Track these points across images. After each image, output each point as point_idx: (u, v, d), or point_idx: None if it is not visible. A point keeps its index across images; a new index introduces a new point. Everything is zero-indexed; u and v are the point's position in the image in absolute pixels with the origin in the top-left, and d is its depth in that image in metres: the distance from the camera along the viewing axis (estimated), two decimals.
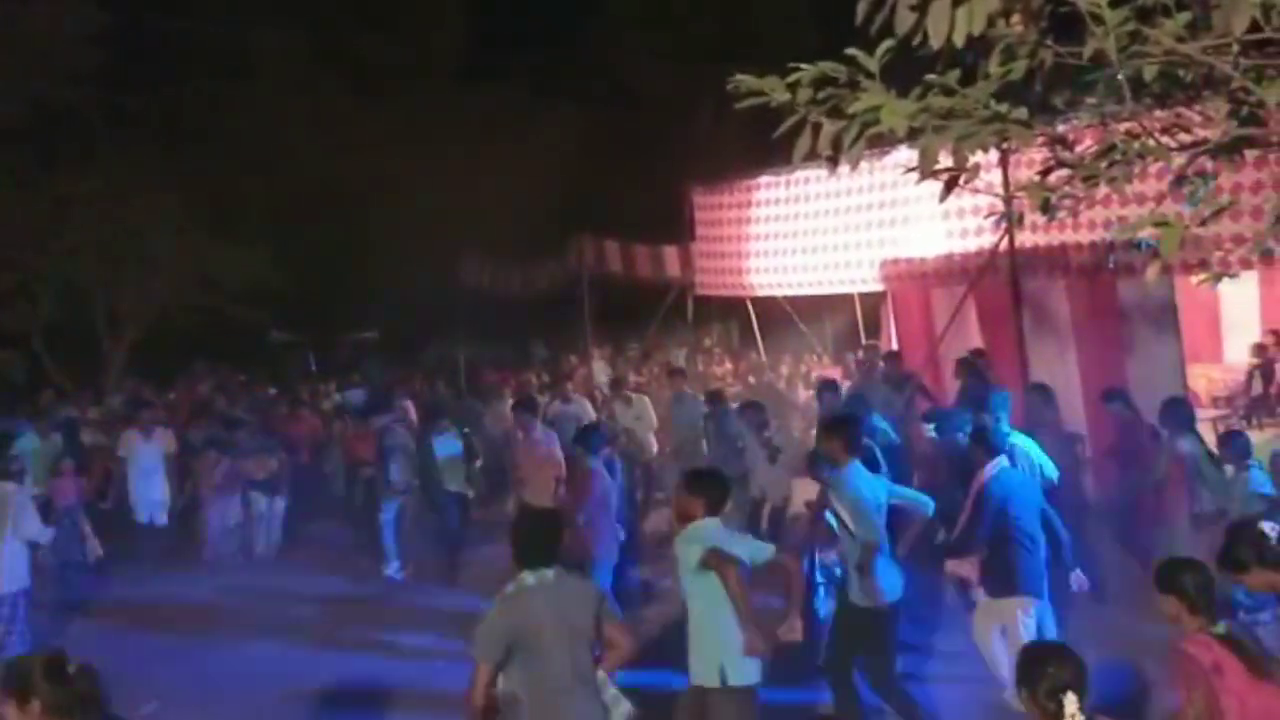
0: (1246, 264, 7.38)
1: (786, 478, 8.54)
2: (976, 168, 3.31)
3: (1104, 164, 3.27)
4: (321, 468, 12.05)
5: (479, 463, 9.98)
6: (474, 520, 10.00)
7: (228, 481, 10.18)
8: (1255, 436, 8.50)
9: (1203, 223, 3.49)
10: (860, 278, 12.40)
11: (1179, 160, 3.41)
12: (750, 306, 15.71)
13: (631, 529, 8.40)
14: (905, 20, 2.90)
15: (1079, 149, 3.55)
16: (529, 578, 3.96)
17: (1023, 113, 3.13)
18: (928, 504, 5.80)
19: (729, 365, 17.79)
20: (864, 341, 13.68)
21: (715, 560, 4.43)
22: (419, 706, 6.53)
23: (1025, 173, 7.95)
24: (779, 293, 14.26)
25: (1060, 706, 2.94)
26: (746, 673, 4.52)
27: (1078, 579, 6.01)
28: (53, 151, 16.56)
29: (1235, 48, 2.94)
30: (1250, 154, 3.88)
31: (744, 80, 3.26)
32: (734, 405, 10.31)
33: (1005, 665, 5.71)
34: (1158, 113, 3.48)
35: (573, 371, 16.24)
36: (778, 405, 10.74)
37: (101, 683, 3.14)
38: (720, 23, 23.51)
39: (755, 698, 4.62)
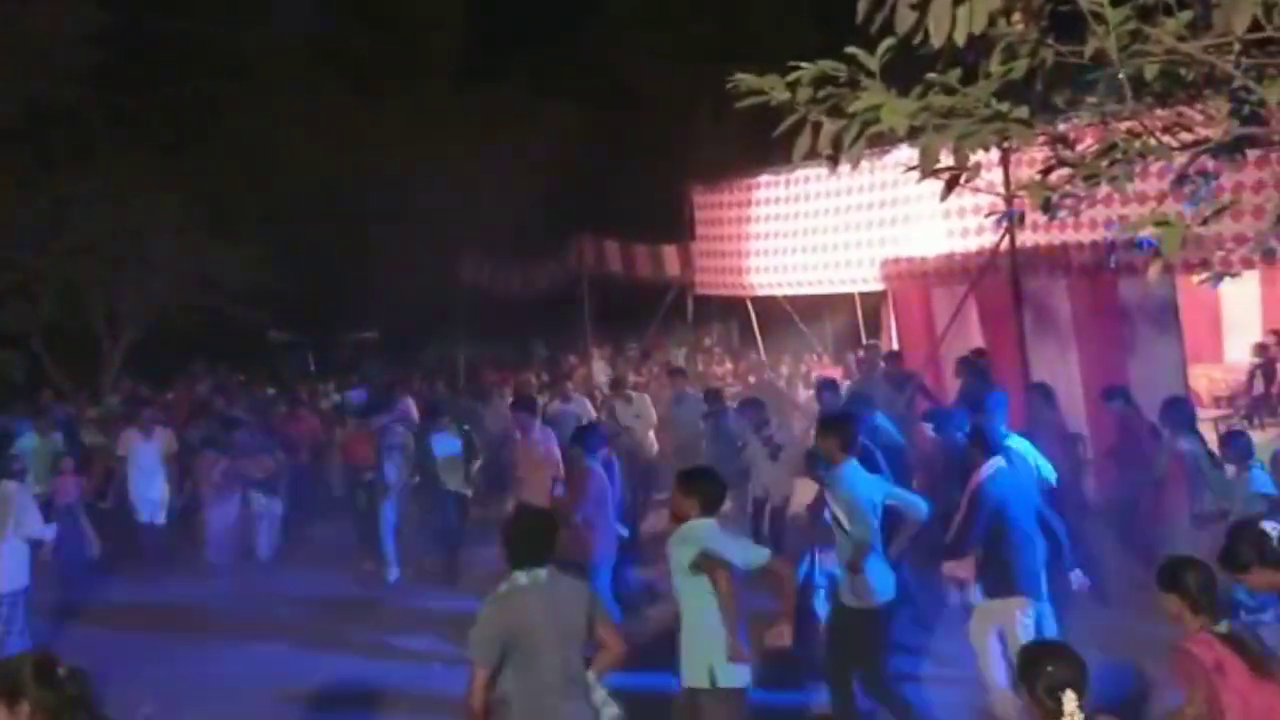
0: (1248, 263, 7.40)
1: (788, 476, 8.52)
2: (977, 167, 3.30)
3: (1105, 163, 3.26)
4: (321, 468, 12.04)
5: (479, 463, 9.96)
6: (473, 519, 10.00)
7: (226, 481, 10.18)
8: (1256, 436, 8.50)
9: (1204, 222, 3.49)
10: (860, 277, 12.39)
11: (1180, 159, 3.40)
12: (750, 306, 15.69)
13: (633, 528, 8.38)
14: (906, 19, 2.90)
15: (1080, 148, 3.55)
16: (522, 577, 3.93)
17: (1024, 112, 3.12)
18: (922, 507, 5.75)
19: (729, 365, 17.79)
20: (864, 341, 13.66)
21: (707, 563, 4.41)
22: (418, 708, 6.52)
23: (1026, 172, 7.93)
24: (779, 292, 14.25)
25: (1059, 704, 2.95)
26: (736, 675, 4.50)
27: (1077, 579, 5.99)
28: (52, 151, 16.54)
29: (1236, 47, 2.93)
30: (1251, 153, 3.88)
31: (744, 79, 3.25)
32: (734, 404, 10.31)
33: (998, 669, 5.67)
34: (1159, 112, 3.47)
35: (572, 371, 16.24)
36: (778, 404, 10.73)
37: (91, 684, 3.14)
38: (720, 22, 23.51)
39: (744, 700, 4.61)
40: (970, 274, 10.12)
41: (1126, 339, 9.26)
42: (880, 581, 5.43)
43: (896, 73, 3.10)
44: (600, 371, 16.42)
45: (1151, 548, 7.27)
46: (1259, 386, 11.90)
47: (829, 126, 3.19)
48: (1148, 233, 3.19)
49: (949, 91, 3.06)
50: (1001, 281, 9.43)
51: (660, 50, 24.13)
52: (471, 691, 3.77)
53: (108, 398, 15.69)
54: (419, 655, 7.39)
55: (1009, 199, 7.27)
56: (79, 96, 16.37)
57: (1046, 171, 3.51)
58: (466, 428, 10.26)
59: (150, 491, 10.29)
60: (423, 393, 14.48)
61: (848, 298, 14.49)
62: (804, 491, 6.96)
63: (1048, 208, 3.47)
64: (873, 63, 3.07)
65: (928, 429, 8.13)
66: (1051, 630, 5.77)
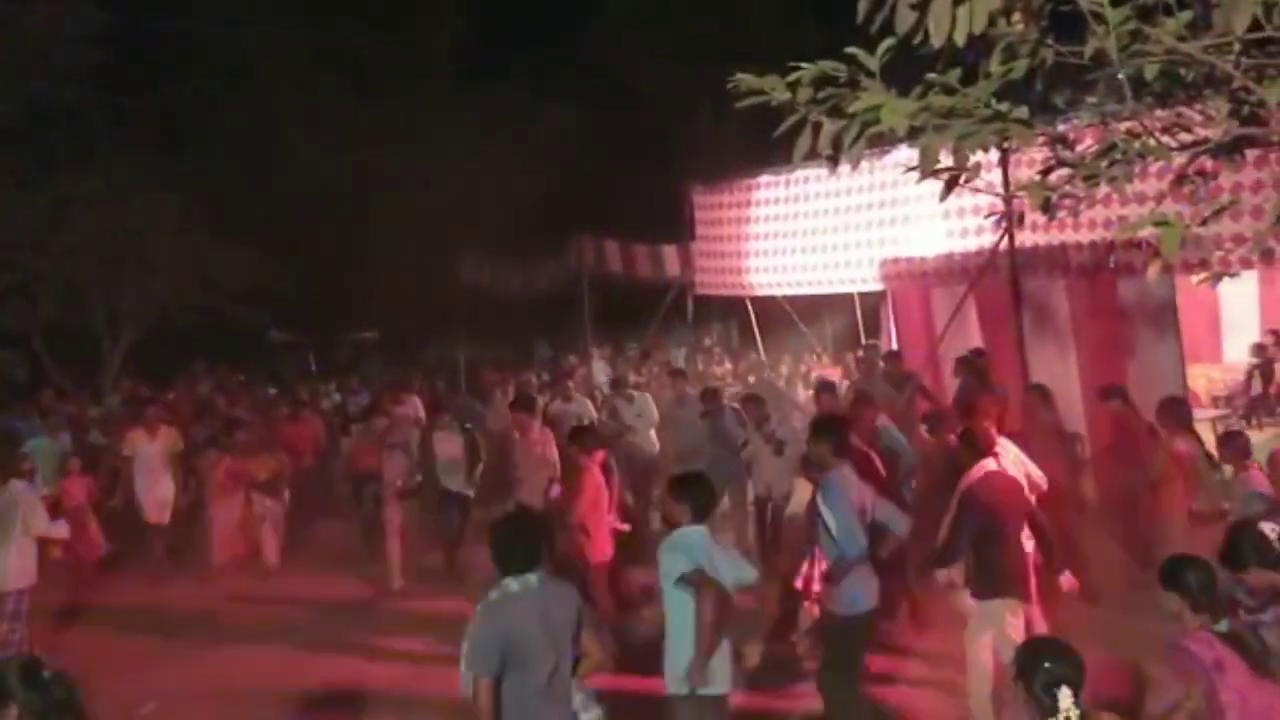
0: (1247, 263, 7.42)
1: (789, 473, 8.52)
2: (977, 167, 3.31)
3: (1105, 163, 3.27)
4: (325, 470, 12.02)
5: (480, 466, 9.95)
6: (475, 520, 9.99)
7: (229, 481, 10.17)
8: (1255, 436, 8.52)
9: (1203, 222, 3.50)
10: (860, 277, 12.40)
11: (1180, 160, 3.41)
12: (750, 306, 15.71)
13: (633, 528, 8.38)
14: (906, 19, 2.90)
15: (1080, 148, 3.56)
16: (513, 584, 3.93)
17: (1023, 112, 3.13)
18: (901, 524, 5.73)
19: (729, 365, 17.80)
20: (864, 341, 13.68)
21: (698, 582, 4.40)
22: (419, 709, 6.52)
23: (1026, 172, 7.96)
24: (779, 292, 14.26)
25: (1055, 701, 2.97)
26: (716, 682, 4.50)
27: (1066, 581, 5.99)
28: (52, 151, 16.53)
29: (1236, 47, 2.94)
30: (1251, 153, 3.89)
31: (744, 79, 3.25)
32: (733, 404, 10.31)
33: (983, 675, 5.66)
34: (1158, 112, 3.48)
35: (572, 371, 16.24)
36: (777, 403, 10.72)
37: (78, 688, 3.18)
38: (720, 22, 23.54)
39: (725, 707, 4.61)
40: (969, 274, 10.13)
41: (1125, 339, 9.27)
42: (864, 589, 5.36)
43: (896, 73, 3.10)
44: (600, 371, 16.43)
45: (1149, 547, 7.28)
46: (1257, 386, 11.94)
47: (829, 127, 3.20)
48: (1147, 233, 3.20)
49: (949, 92, 3.07)
50: (1001, 282, 9.44)
51: (660, 50, 24.15)
52: (482, 708, 3.75)
53: (108, 398, 15.69)
54: (420, 656, 7.38)
55: (1008, 199, 7.27)
56: (79, 96, 16.37)
57: (1046, 171, 3.51)
58: (469, 427, 10.25)
59: (157, 491, 10.31)
60: (424, 391, 14.49)
61: (847, 298, 14.50)
62: (804, 490, 6.95)
63: (1047, 208, 3.48)
64: (873, 63, 3.08)
65: (923, 429, 8.13)
66: (1042, 631, 5.76)
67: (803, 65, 3.19)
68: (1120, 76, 3.09)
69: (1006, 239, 9.13)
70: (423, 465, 9.76)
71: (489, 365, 17.78)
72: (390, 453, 9.74)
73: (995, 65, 3.10)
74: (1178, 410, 7.60)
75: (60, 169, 16.34)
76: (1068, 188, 3.42)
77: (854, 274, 12.44)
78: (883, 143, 3.33)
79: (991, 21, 2.92)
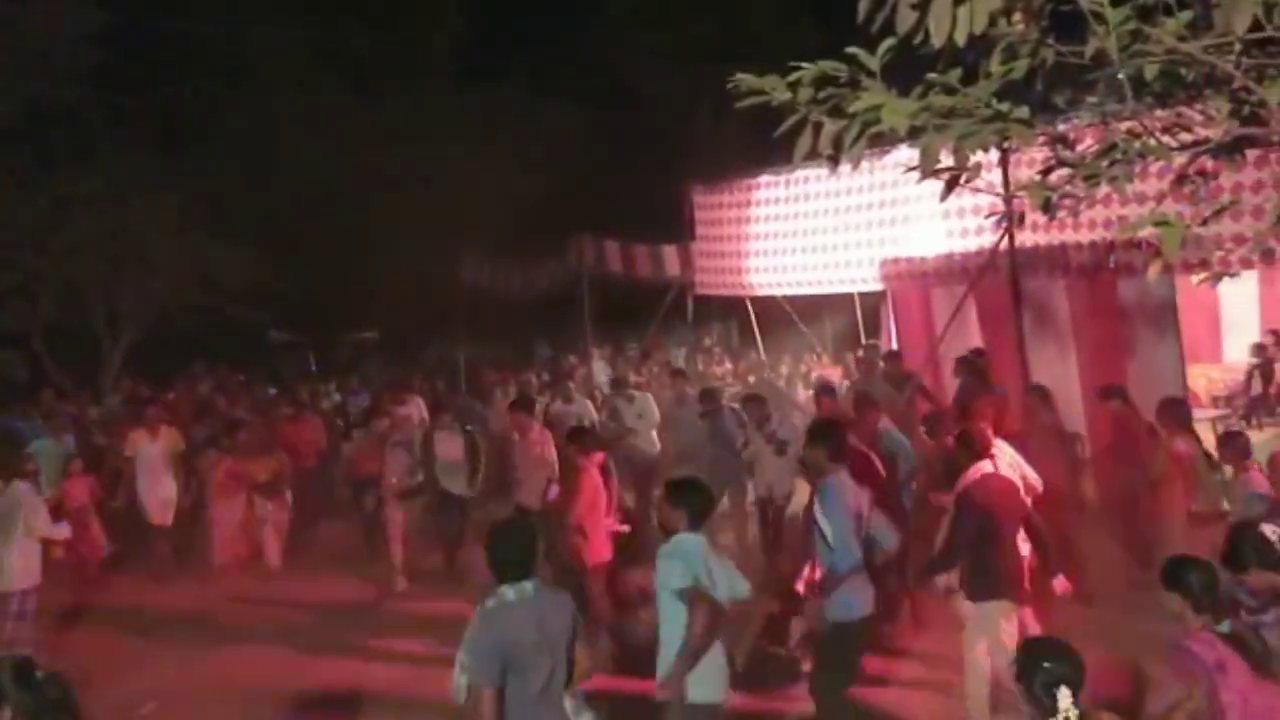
0: (1247, 263, 7.43)
1: (791, 474, 8.50)
2: (978, 167, 3.31)
3: (1105, 163, 3.26)
4: (326, 472, 12.01)
5: (481, 471, 9.94)
6: (474, 521, 9.98)
7: (230, 482, 10.17)
8: (1255, 436, 8.52)
9: (1203, 222, 3.50)
10: (860, 277, 12.40)
11: (1180, 159, 3.41)
12: (750, 306, 15.71)
13: (634, 529, 8.37)
14: (906, 19, 2.90)
15: (1080, 148, 3.56)
16: (509, 592, 3.92)
17: (1024, 112, 3.13)
18: (891, 540, 5.72)
19: (729, 365, 17.79)
20: (864, 341, 13.68)
21: (692, 598, 4.37)
22: (417, 711, 6.51)
23: (1026, 172, 7.96)
24: (779, 292, 14.26)
25: (1054, 701, 2.97)
26: (707, 691, 4.47)
27: (1060, 585, 5.98)
28: (52, 151, 16.52)
29: (1237, 47, 2.94)
30: (1251, 153, 3.88)
31: (744, 79, 3.25)
32: (732, 404, 10.30)
33: (980, 677, 5.66)
34: (1159, 112, 3.48)
35: (572, 371, 16.24)
36: (778, 403, 10.72)
37: (71, 688, 3.18)
38: (720, 22, 23.55)
39: (718, 715, 4.59)
40: (970, 274, 10.13)
41: (1125, 339, 9.27)
42: (857, 597, 5.31)
43: (897, 73, 3.10)
44: (600, 371, 16.43)
45: (1149, 547, 7.28)
46: (1257, 386, 11.95)
47: (830, 127, 3.19)
48: (1147, 233, 3.20)
49: (949, 91, 3.07)
50: (1001, 282, 9.44)
51: (660, 50, 24.16)
52: (484, 717, 3.74)
53: (109, 398, 15.69)
54: (421, 658, 7.37)
55: (1008, 199, 7.27)
56: (79, 96, 16.37)
57: (1046, 171, 3.51)
58: (470, 429, 10.25)
59: (158, 491, 10.32)
60: (426, 392, 14.47)
61: (847, 298, 14.51)
62: (806, 491, 6.95)
63: (1048, 208, 3.48)
64: (873, 63, 3.07)
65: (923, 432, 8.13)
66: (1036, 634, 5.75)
67: (803, 65, 3.18)
68: (1120, 76, 3.09)
69: (1006, 239, 9.13)
70: (423, 466, 9.75)
71: (489, 365, 17.78)
72: (393, 450, 9.74)
73: (996, 65, 3.10)
74: (1177, 410, 7.60)
75: (60, 169, 16.34)
76: (1068, 188, 3.42)
77: (854, 274, 12.44)
78: (883, 142, 3.32)
79: (992, 21, 2.92)
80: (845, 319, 15.96)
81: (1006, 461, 6.29)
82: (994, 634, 5.57)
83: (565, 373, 15.82)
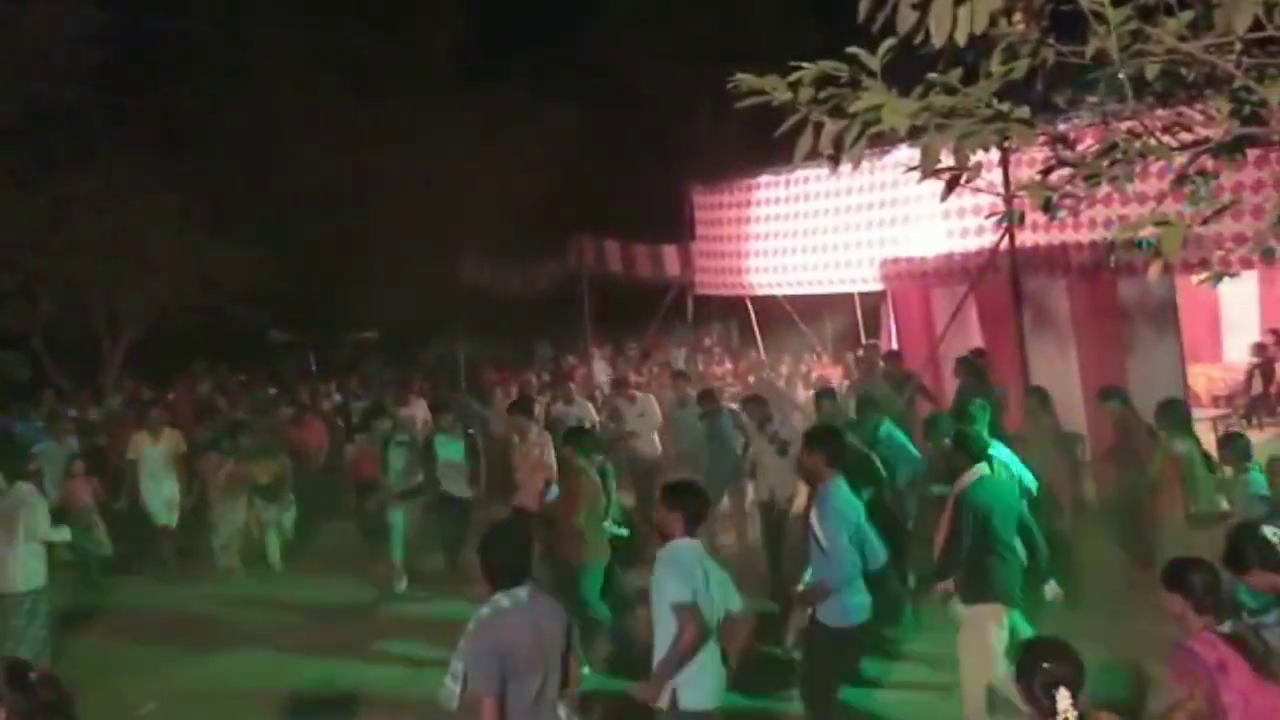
0: (1247, 263, 7.41)
1: (792, 475, 8.50)
2: (978, 167, 3.30)
3: (1105, 163, 3.26)
4: (329, 474, 12.00)
5: (482, 476, 9.93)
6: (474, 523, 9.97)
7: (232, 484, 10.17)
8: (1255, 436, 8.52)
9: (1204, 222, 3.49)
10: (860, 277, 12.40)
11: (1180, 159, 3.40)
12: (750, 306, 15.71)
13: (633, 530, 8.37)
14: (907, 19, 2.89)
15: (1080, 148, 3.55)
16: (504, 599, 3.90)
17: (1024, 111, 3.12)
18: (878, 559, 5.72)
19: (729, 365, 17.78)
20: (864, 341, 13.68)
21: (684, 616, 4.33)
22: (417, 712, 6.50)
23: (1026, 172, 7.95)
24: (779, 292, 14.26)
25: (1053, 702, 2.97)
26: (701, 696, 4.43)
27: (1051, 590, 5.97)
28: (52, 151, 16.51)
29: (1237, 46, 2.94)
30: (1252, 153, 3.88)
31: (744, 79, 3.24)
32: (732, 405, 10.29)
33: (978, 679, 5.65)
34: (1159, 111, 3.48)
35: (573, 371, 16.22)
36: (778, 403, 10.72)
37: (67, 690, 3.18)
38: (720, 22, 23.53)
39: None
40: (970, 274, 10.12)
41: (1126, 339, 9.27)
42: (853, 604, 5.31)
43: (898, 73, 3.10)
44: (601, 372, 16.42)
45: (1148, 548, 7.27)
46: (1257, 386, 11.95)
47: (830, 127, 3.19)
48: (1148, 233, 3.19)
49: (950, 91, 3.06)
50: (1001, 281, 9.44)
51: (660, 50, 24.15)
52: None
53: (109, 398, 15.69)
54: (422, 660, 7.37)
55: (1009, 199, 7.27)
56: (79, 96, 16.35)
57: (1046, 171, 3.51)
58: (471, 431, 10.24)
59: (162, 492, 10.33)
60: (427, 392, 14.46)
61: (847, 298, 14.50)
62: (806, 493, 6.95)
63: (1048, 208, 3.47)
64: (874, 63, 3.07)
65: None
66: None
67: (803, 65, 3.18)
68: (1121, 76, 3.09)
69: (1007, 239, 9.13)
70: (424, 468, 9.75)
71: (489, 365, 17.78)
72: (395, 449, 9.74)
73: (996, 65, 3.09)
74: (1176, 411, 7.59)
75: (60, 169, 16.33)
76: (1068, 187, 3.42)
77: (854, 274, 12.44)
78: (883, 142, 3.31)
79: (992, 21, 2.91)
80: (845, 319, 15.96)
81: (1002, 464, 6.30)
82: (987, 636, 5.57)
83: (566, 373, 15.81)
